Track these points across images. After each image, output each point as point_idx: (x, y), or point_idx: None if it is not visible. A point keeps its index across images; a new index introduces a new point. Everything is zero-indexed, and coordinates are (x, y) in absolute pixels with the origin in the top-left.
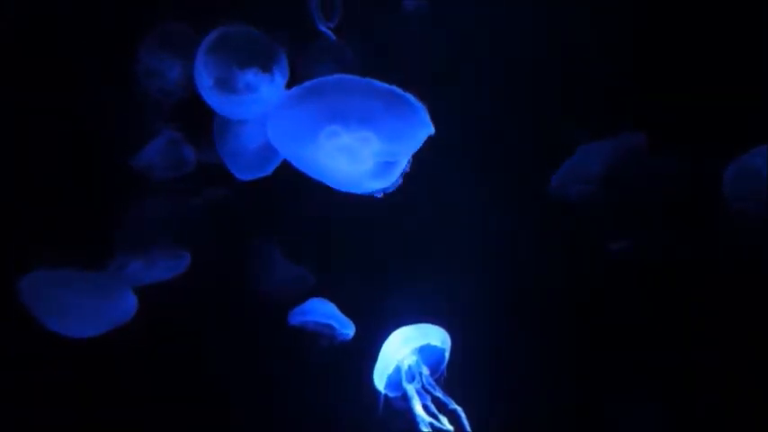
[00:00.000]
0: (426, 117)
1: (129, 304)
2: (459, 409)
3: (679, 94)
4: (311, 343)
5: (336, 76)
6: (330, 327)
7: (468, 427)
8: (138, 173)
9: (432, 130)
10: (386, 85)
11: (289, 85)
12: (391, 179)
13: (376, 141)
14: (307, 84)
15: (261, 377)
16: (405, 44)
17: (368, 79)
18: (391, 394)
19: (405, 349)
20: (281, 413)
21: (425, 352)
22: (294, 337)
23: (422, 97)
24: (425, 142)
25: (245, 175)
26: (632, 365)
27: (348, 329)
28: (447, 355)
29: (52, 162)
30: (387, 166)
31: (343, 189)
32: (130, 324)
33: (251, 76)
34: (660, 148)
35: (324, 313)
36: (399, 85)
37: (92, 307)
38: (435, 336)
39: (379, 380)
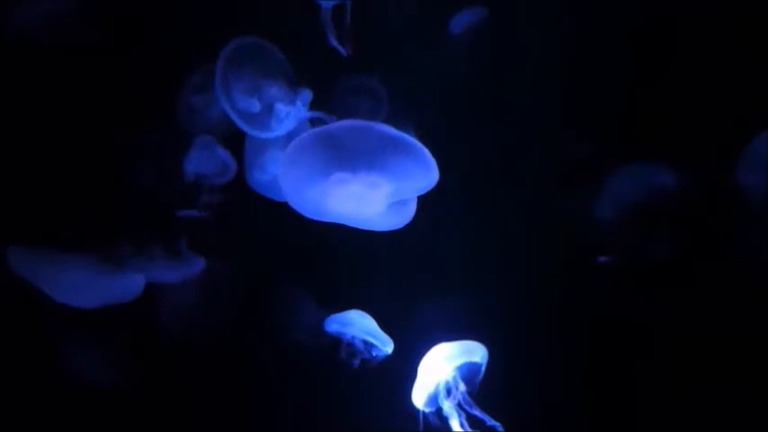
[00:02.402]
0: (431, 163)
1: (134, 282)
2: (498, 425)
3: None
4: (345, 358)
5: (343, 123)
6: (367, 343)
7: None
8: (187, 183)
9: (436, 176)
10: (394, 131)
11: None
12: (406, 216)
13: (386, 185)
14: (313, 131)
15: (294, 393)
16: (444, 72)
17: (377, 124)
18: (426, 410)
19: (447, 367)
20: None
21: (460, 367)
22: (328, 352)
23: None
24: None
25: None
26: (669, 376)
27: (387, 347)
28: (483, 370)
29: (55, 162)
30: (400, 204)
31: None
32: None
33: (273, 92)
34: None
35: (363, 329)
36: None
37: (88, 280)
38: (477, 353)
39: (419, 398)
